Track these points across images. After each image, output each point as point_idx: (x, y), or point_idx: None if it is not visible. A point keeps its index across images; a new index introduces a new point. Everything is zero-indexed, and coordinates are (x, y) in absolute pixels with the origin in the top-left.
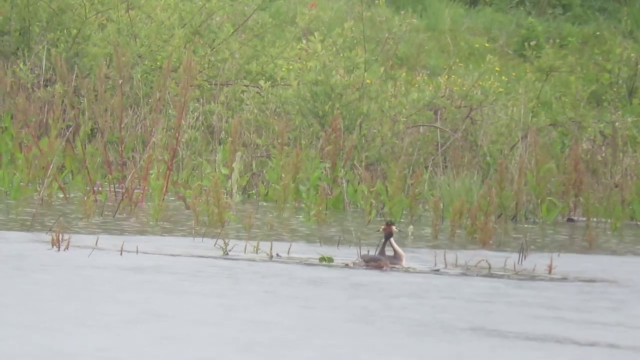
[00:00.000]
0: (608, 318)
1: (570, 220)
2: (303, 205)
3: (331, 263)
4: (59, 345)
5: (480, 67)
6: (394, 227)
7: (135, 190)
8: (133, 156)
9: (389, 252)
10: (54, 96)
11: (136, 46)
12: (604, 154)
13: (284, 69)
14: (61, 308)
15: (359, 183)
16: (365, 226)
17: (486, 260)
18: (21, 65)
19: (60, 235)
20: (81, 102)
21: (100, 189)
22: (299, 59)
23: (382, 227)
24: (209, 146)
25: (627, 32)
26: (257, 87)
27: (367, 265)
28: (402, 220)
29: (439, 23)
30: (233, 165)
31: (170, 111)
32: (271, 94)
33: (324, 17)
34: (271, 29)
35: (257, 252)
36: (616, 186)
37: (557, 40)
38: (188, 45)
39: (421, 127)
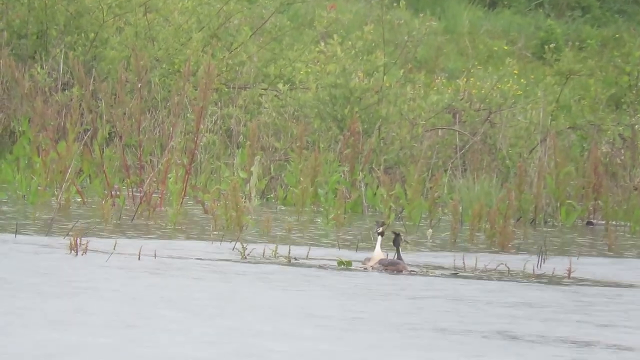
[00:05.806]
0: (630, 321)
1: (589, 223)
2: (322, 208)
3: (349, 267)
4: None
5: (499, 70)
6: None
7: (154, 194)
8: (151, 160)
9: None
10: (71, 100)
11: (154, 49)
12: (623, 157)
13: (302, 72)
14: (79, 311)
15: (377, 186)
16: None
17: (505, 264)
18: (39, 68)
19: (78, 239)
20: (99, 106)
21: (118, 193)
22: (318, 62)
23: (382, 229)
24: (227, 150)
25: None
26: (276, 90)
27: (386, 269)
28: (421, 223)
29: (458, 26)
30: (251, 169)
31: (188, 115)
32: (289, 97)
33: (343, 19)
34: (289, 31)
35: (275, 256)
36: (635, 189)
37: (576, 43)
38: (206, 48)
39: (440, 130)
